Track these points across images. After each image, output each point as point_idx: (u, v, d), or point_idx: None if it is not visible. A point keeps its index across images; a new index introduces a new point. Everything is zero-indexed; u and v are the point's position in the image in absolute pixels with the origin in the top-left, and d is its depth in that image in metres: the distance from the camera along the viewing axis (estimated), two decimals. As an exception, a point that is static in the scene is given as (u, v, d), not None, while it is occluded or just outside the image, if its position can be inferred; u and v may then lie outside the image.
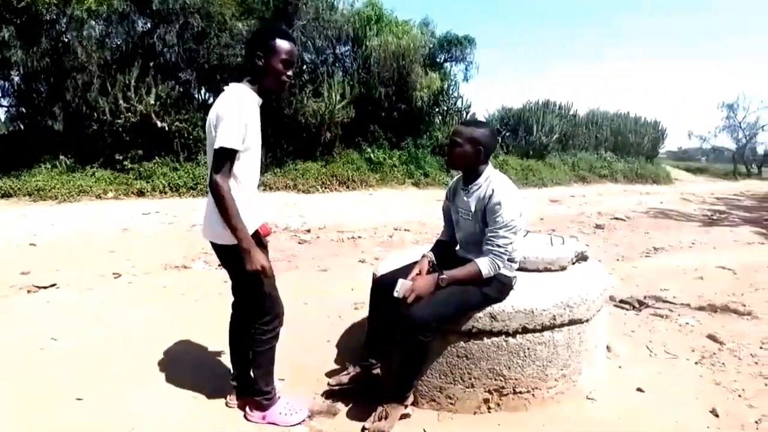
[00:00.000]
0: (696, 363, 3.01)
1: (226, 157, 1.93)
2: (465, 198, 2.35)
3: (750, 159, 31.10)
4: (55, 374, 2.65)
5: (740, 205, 13.22)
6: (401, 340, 2.20)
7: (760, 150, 32.08)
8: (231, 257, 2.07)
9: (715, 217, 10.22)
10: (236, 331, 2.35)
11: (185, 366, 2.77)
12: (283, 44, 2.02)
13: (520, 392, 2.35)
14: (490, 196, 2.22)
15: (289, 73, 2.08)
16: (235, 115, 1.93)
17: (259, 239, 2.11)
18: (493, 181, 2.28)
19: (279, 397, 2.32)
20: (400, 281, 2.21)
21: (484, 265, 2.19)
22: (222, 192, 1.92)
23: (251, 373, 2.29)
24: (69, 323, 3.36)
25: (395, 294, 2.17)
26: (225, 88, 2.07)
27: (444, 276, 2.19)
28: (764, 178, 27.85)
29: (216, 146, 1.91)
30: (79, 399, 2.40)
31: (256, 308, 2.20)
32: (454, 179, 2.53)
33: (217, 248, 2.13)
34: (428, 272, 2.34)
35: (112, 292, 4.09)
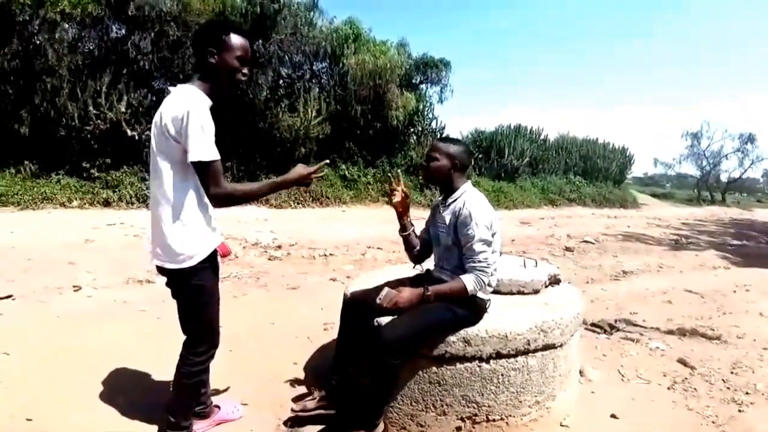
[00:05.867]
0: (668, 388, 3.00)
1: (216, 168, 1.81)
2: (443, 213, 2.37)
3: (714, 186, 32.15)
4: (6, 391, 2.51)
5: (705, 230, 13.58)
6: (371, 364, 2.12)
7: (724, 177, 33.19)
8: (181, 281, 1.94)
9: (681, 242, 10.45)
10: None
11: (136, 389, 2.61)
12: (237, 39, 1.87)
13: (494, 420, 2.28)
14: (461, 209, 2.24)
15: (245, 70, 1.93)
16: (205, 121, 1.79)
17: (215, 261, 1.99)
18: (467, 195, 2.31)
19: None
20: (386, 289, 2.19)
21: (468, 281, 2.17)
22: (235, 195, 1.85)
23: (170, 405, 2.09)
24: (23, 338, 3.19)
25: (378, 300, 2.16)
26: (172, 89, 1.90)
27: (429, 292, 2.17)
28: (727, 204, 28.78)
29: (203, 159, 1.77)
30: (29, 419, 2.28)
31: (192, 335, 2.05)
32: (436, 199, 2.55)
33: (167, 272, 1.96)
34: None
35: (69, 306, 3.89)
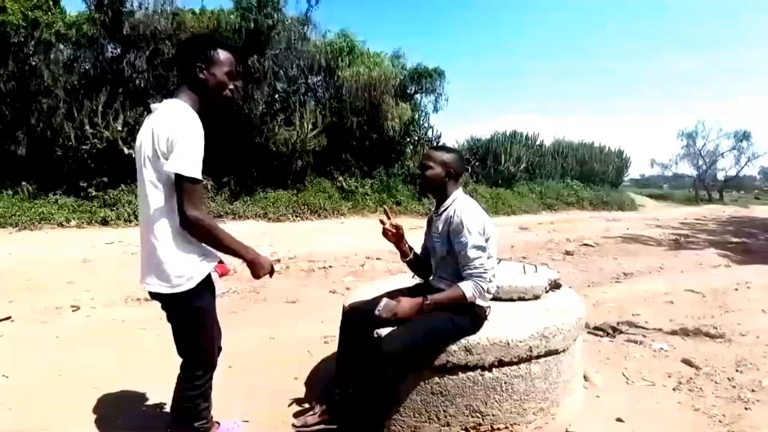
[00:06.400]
0: (674, 389, 2.97)
1: (195, 188, 1.72)
2: (436, 222, 2.37)
3: (711, 185, 32.20)
4: (5, 414, 2.51)
5: (704, 229, 13.57)
6: (372, 376, 2.10)
7: (720, 176, 33.26)
8: (179, 304, 1.87)
9: (680, 242, 10.44)
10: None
11: (136, 410, 2.59)
12: (225, 54, 1.84)
13: (498, 429, 2.25)
14: (452, 217, 2.24)
15: (231, 86, 1.89)
16: (198, 138, 1.74)
17: (212, 281, 1.92)
18: (458, 202, 2.30)
19: None
20: (384, 300, 2.17)
21: (467, 288, 2.15)
22: (206, 226, 1.75)
23: (171, 429, 2.06)
24: (22, 360, 3.19)
25: (376, 312, 2.14)
26: (158, 105, 1.86)
27: (428, 301, 2.15)
28: (725, 202, 28.80)
29: (185, 173, 1.69)
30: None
31: (189, 359, 1.99)
32: (431, 211, 2.54)
33: (162, 297, 1.87)
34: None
35: (69, 326, 3.88)
